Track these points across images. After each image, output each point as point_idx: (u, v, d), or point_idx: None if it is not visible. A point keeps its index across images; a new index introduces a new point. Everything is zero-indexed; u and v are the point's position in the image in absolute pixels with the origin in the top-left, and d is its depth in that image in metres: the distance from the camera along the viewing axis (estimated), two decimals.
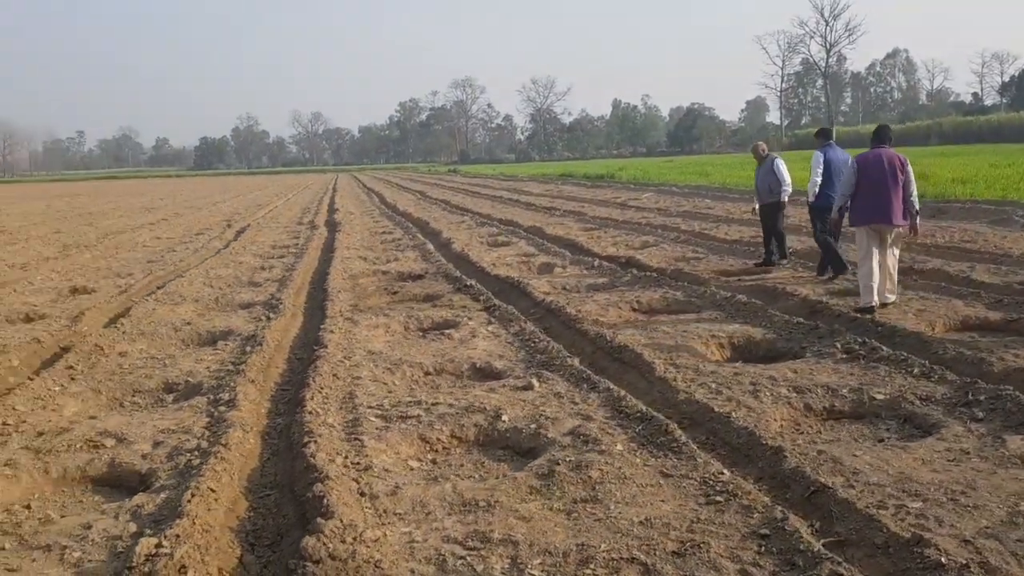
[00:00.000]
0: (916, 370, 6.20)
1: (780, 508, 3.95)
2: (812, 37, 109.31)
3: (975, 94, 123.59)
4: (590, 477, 4.44)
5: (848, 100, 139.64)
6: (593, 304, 9.60)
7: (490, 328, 8.51)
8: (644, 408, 5.49)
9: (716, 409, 5.44)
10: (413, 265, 13.84)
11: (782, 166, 11.81)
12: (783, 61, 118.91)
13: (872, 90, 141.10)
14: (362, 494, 4.27)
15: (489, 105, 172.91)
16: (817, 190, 10.63)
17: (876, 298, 8.44)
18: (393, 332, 8.71)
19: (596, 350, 7.61)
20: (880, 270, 8.52)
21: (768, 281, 10.52)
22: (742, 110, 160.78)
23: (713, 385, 6.13)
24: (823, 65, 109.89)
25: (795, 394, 5.88)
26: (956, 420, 5.23)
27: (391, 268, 13.61)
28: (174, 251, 17.45)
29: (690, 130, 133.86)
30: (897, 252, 8.83)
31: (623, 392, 5.97)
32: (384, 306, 10.24)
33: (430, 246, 16.63)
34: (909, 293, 9.24)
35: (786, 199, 11.81)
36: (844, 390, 5.90)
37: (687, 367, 6.69)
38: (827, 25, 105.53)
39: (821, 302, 8.84)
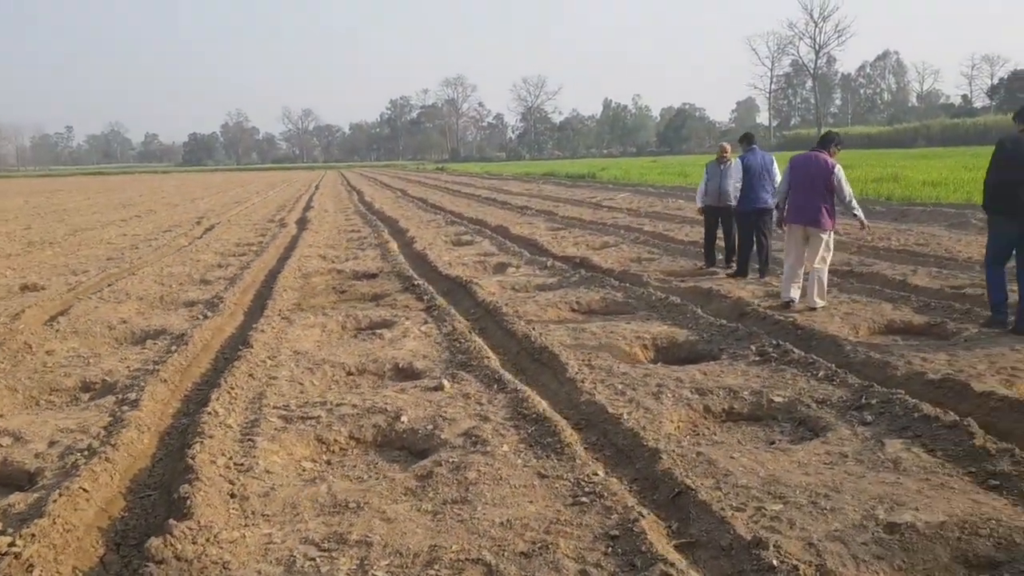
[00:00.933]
0: (821, 373, 6.27)
1: (639, 510, 3.99)
2: (801, 38, 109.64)
3: (965, 96, 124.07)
4: (466, 478, 4.49)
5: (838, 102, 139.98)
6: (533, 304, 9.65)
7: (423, 328, 8.55)
8: (542, 410, 5.53)
9: (611, 411, 5.49)
10: (370, 264, 13.86)
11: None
12: (772, 62, 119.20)
13: (862, 92, 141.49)
14: (232, 496, 4.31)
15: (480, 104, 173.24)
16: (739, 195, 10.96)
17: (793, 294, 8.68)
18: (328, 332, 8.73)
19: (520, 351, 7.65)
20: (801, 268, 8.76)
21: (708, 283, 10.58)
22: (732, 111, 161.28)
23: (619, 387, 6.18)
24: (812, 67, 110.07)
25: (697, 396, 5.94)
26: (845, 423, 5.29)
27: (347, 267, 13.63)
28: (136, 248, 17.43)
29: (679, 130, 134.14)
30: (828, 256, 8.90)
31: (529, 393, 6.01)
32: (327, 305, 10.27)
33: (393, 245, 16.67)
34: (843, 296, 9.33)
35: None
36: (746, 392, 5.96)
37: (601, 368, 6.74)
38: (816, 27, 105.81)
39: (751, 304, 8.90)
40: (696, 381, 6.26)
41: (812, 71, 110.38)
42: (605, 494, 4.20)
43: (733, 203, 11.48)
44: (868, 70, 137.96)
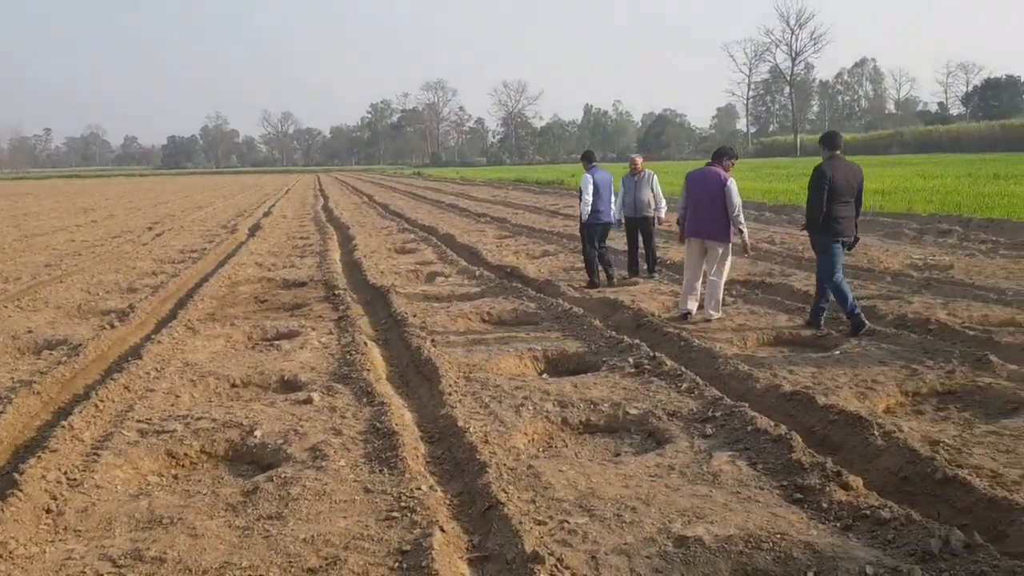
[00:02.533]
0: (684, 386, 6.37)
1: (440, 524, 4.07)
2: (778, 45, 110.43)
3: (941, 103, 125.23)
4: (289, 494, 4.55)
5: (816, 108, 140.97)
6: (445, 315, 9.72)
7: (324, 340, 8.60)
8: (395, 424, 5.60)
9: (461, 424, 5.57)
10: (303, 272, 13.89)
11: (658, 182, 12.07)
12: (750, 69, 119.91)
13: (840, 98, 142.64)
14: (48, 511, 4.35)
15: (461, 108, 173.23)
16: (589, 209, 11.32)
17: (691, 306, 8.82)
18: (232, 342, 8.77)
19: (410, 363, 7.73)
20: (698, 281, 8.89)
21: (620, 294, 10.68)
22: (713, 117, 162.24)
23: (486, 399, 6.26)
24: (789, 73, 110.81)
25: (558, 408, 6.02)
26: (687, 436, 5.39)
27: (280, 275, 13.66)
28: (79, 255, 17.37)
29: (659, 136, 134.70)
30: (726, 269, 9.02)
31: (393, 407, 6.07)
32: (242, 315, 10.29)
33: (335, 253, 16.75)
34: (745, 307, 9.46)
35: (663, 215, 12.13)
36: (606, 405, 6.05)
37: (478, 381, 6.82)
38: (793, 34, 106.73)
39: (648, 316, 9.01)
40: (563, 394, 6.35)
41: (789, 78, 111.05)
42: (419, 509, 4.28)
43: (650, 213, 11.69)
44: (846, 77, 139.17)
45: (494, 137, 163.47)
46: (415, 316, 9.54)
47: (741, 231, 8.86)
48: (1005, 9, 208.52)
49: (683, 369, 6.76)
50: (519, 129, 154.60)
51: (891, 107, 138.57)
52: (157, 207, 36.17)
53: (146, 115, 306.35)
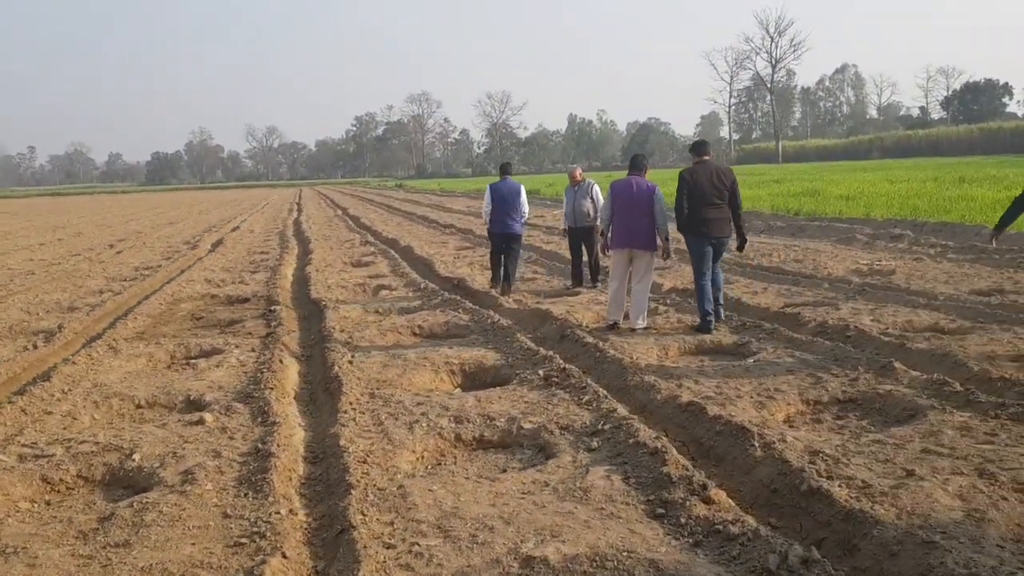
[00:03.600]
0: (586, 398, 6.29)
1: (284, 551, 3.97)
2: (758, 53, 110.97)
3: (922, 108, 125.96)
4: (143, 520, 4.43)
5: (798, 115, 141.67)
6: (376, 329, 9.62)
7: (243, 357, 8.47)
8: (277, 446, 5.49)
9: (342, 443, 5.47)
10: (250, 288, 13.77)
11: (599, 193, 12.01)
12: (731, 77, 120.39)
13: (821, 104, 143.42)
14: None
15: (446, 119, 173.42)
16: (485, 218, 11.85)
17: (617, 316, 8.84)
18: (152, 361, 8.64)
19: (321, 380, 7.63)
20: (624, 291, 8.84)
21: (555, 305, 10.61)
22: (697, 124, 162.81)
23: (382, 417, 6.16)
24: (769, 81, 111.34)
25: (453, 424, 5.93)
26: (572, 450, 5.31)
27: (225, 291, 13.53)
28: (32, 274, 17.17)
29: (643, 144, 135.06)
30: (649, 279, 8.95)
31: (286, 426, 5.98)
32: (171, 333, 10.16)
33: (288, 268, 16.65)
34: (675, 316, 9.39)
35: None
36: (502, 420, 5.97)
37: (380, 397, 6.72)
38: (772, 41, 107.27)
39: (576, 328, 8.93)
40: (463, 409, 6.25)
41: (769, 85, 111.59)
42: (268, 534, 4.18)
43: (590, 223, 11.67)
44: (827, 83, 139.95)
45: (479, 148, 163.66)
46: (343, 331, 9.44)
47: (665, 238, 8.80)
48: (985, 13, 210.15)
49: (588, 381, 6.67)
50: (504, 140, 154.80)
51: (873, 112, 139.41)
52: (128, 224, 35.97)
53: (130, 132, 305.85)
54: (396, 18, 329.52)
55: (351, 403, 6.49)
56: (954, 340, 7.62)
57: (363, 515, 4.34)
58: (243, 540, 4.15)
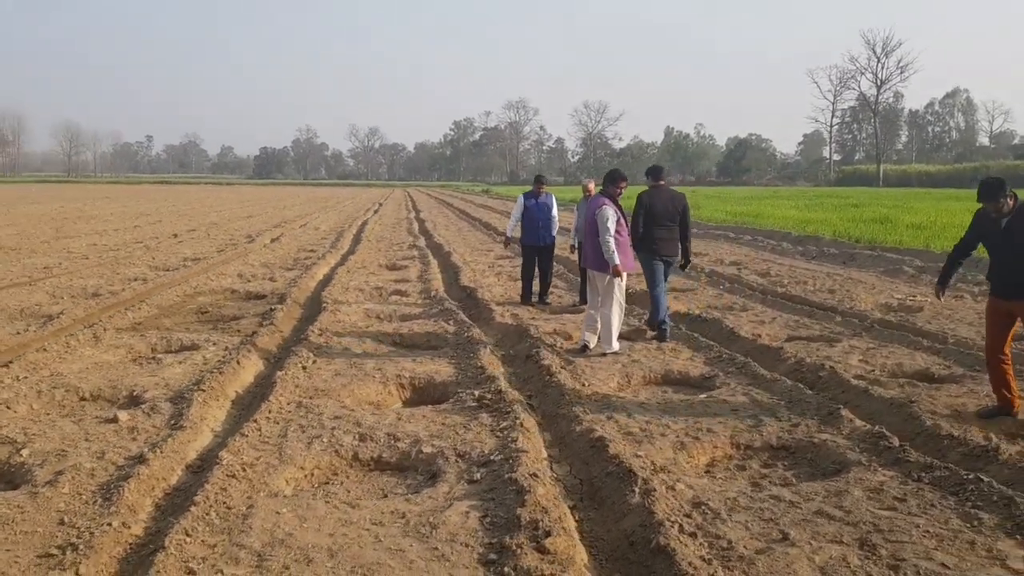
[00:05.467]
0: (504, 424, 6.03)
1: (79, 567, 3.86)
2: (863, 73, 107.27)
3: None
4: None
5: (904, 139, 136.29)
6: (355, 336, 9.52)
7: (211, 354, 8.51)
8: (164, 452, 5.41)
9: (222, 455, 5.33)
10: (274, 285, 13.95)
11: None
12: (835, 96, 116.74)
13: (930, 129, 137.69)
14: None
15: (542, 127, 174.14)
16: (523, 230, 11.91)
17: (588, 338, 8.55)
18: (128, 353, 8.75)
19: (265, 383, 7.57)
20: (597, 312, 8.54)
21: (545, 322, 10.32)
22: (799, 143, 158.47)
23: (291, 428, 6.03)
24: (874, 102, 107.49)
25: (357, 442, 5.76)
26: (456, 480, 5.06)
27: (249, 287, 13.73)
28: (86, 258, 17.82)
29: (740, 161, 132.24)
30: (610, 301, 8.53)
31: (192, 431, 5.93)
32: (168, 326, 10.32)
33: (323, 268, 16.81)
34: (656, 343, 9.00)
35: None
36: (407, 441, 5.76)
37: (306, 407, 6.58)
38: (879, 62, 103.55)
39: (546, 348, 8.64)
40: (376, 427, 6.06)
41: (873, 106, 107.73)
42: (83, 547, 4.07)
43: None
44: (936, 107, 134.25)
45: (573, 157, 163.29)
46: (321, 335, 9.39)
47: (606, 256, 8.38)
48: None
49: (515, 408, 6.39)
50: (598, 150, 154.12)
51: (984, 140, 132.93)
52: (209, 214, 37.14)
53: (242, 126, 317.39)
54: (499, 25, 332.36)
55: (270, 411, 6.39)
56: (931, 389, 7.03)
57: (187, 535, 4.19)
58: (56, 551, 4.07)
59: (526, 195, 11.89)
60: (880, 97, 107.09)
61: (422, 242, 22.92)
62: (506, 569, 3.87)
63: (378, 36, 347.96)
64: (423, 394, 7.44)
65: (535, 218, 11.60)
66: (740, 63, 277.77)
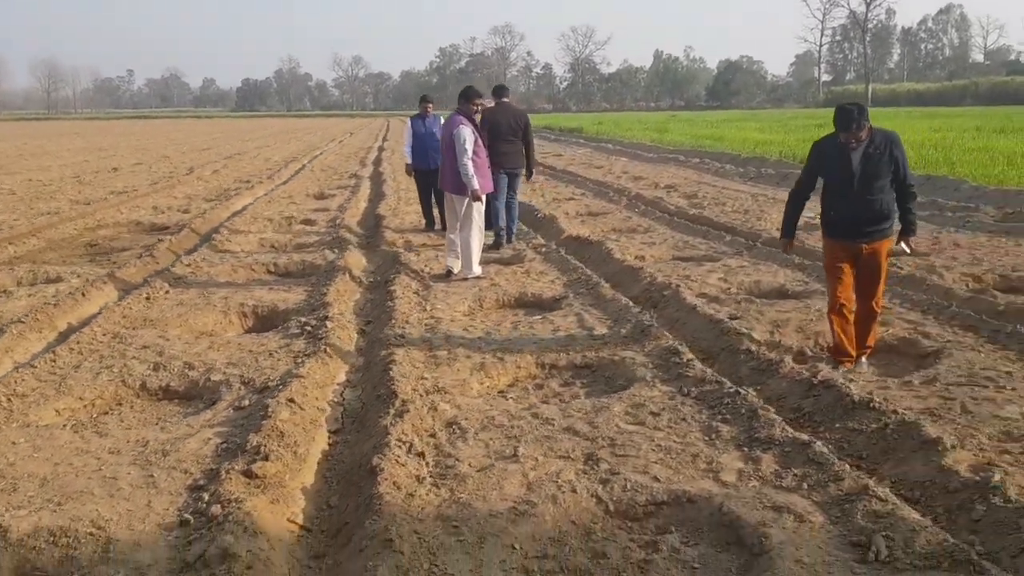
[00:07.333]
0: (311, 350, 5.90)
1: None
2: None
3: None
4: None
5: (896, 57, 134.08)
6: (230, 264, 9.36)
7: (65, 288, 8.34)
8: None
9: None
10: (184, 217, 13.71)
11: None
12: (824, 14, 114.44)
13: (923, 47, 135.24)
14: None
15: (529, 53, 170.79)
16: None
17: (451, 263, 8.51)
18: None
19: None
20: (456, 236, 8.38)
21: (425, 247, 10.18)
22: (791, 64, 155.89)
23: (94, 358, 5.89)
24: (863, 19, 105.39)
25: (150, 371, 5.63)
26: (223, 408, 4.95)
27: (158, 219, 13.52)
28: (13, 193, 17.52)
29: (728, 84, 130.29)
30: (469, 226, 8.33)
31: None
32: (50, 260, 10.13)
33: (247, 198, 16.55)
34: (531, 266, 8.85)
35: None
36: (200, 369, 5.64)
37: (124, 337, 6.43)
38: None
39: (407, 272, 8.48)
40: (173, 356, 5.89)
41: (862, 24, 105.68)
42: None
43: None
44: (929, 24, 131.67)
45: (561, 83, 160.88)
46: (190, 266, 9.20)
47: (468, 180, 8.15)
48: None
49: (331, 334, 6.24)
50: (586, 75, 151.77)
51: (978, 57, 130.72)
52: (167, 147, 36.57)
53: (224, 58, 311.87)
54: None
55: (78, 342, 6.23)
56: (766, 305, 6.90)
57: None
58: None
59: (413, 118, 11.58)
60: (870, 14, 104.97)
61: (367, 172, 22.56)
62: (205, 495, 3.76)
63: None
64: (265, 322, 7.30)
65: (424, 141, 11.31)
66: None
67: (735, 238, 10.17)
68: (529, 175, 10.28)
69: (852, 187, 5.30)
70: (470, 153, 8.06)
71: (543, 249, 9.76)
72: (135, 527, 3.51)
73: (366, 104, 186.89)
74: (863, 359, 5.51)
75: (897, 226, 5.48)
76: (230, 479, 3.82)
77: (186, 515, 3.57)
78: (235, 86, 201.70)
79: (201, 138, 47.48)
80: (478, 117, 8.75)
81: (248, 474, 3.87)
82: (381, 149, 33.38)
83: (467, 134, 8.08)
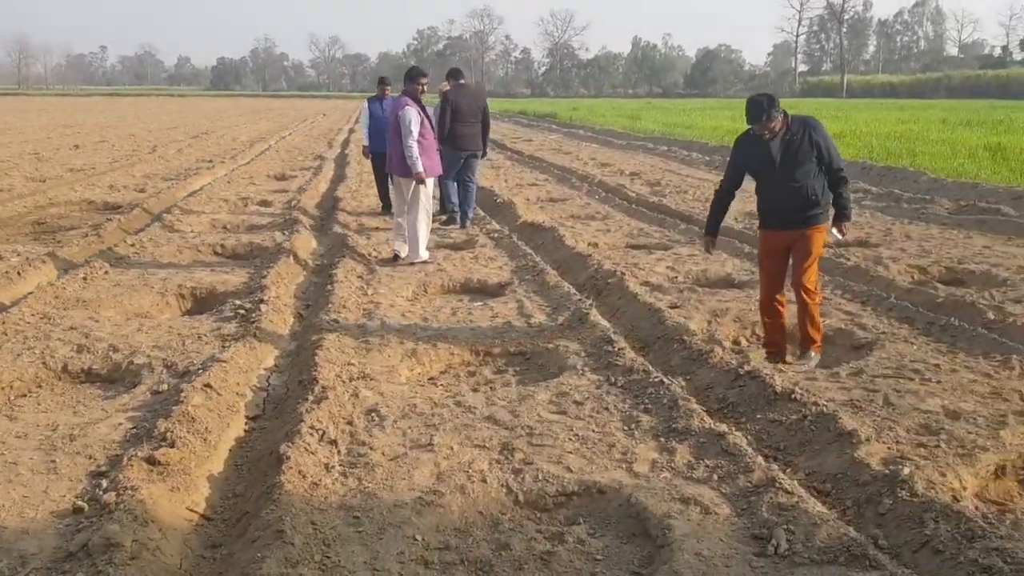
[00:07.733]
0: (239, 331, 5.79)
1: None
2: None
3: (1004, 47, 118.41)
4: None
5: (872, 49, 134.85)
6: (177, 245, 9.22)
7: (2, 266, 8.16)
8: None
9: None
10: (138, 196, 13.46)
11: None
12: (801, 4, 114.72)
13: (898, 39, 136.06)
14: None
15: (507, 37, 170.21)
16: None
17: (398, 247, 8.40)
18: None
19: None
20: (403, 219, 8.28)
21: (376, 231, 10.09)
22: (769, 54, 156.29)
23: (8, 344, 5.70)
24: (839, 10, 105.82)
25: (73, 353, 5.49)
26: (141, 392, 4.84)
27: (112, 198, 13.26)
28: None
29: (706, 72, 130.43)
30: (416, 209, 8.21)
31: None
32: None
33: (205, 178, 16.31)
34: (482, 251, 8.77)
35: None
36: (124, 352, 5.51)
37: (51, 318, 6.27)
38: None
39: (354, 256, 8.38)
40: (99, 338, 5.74)
41: (838, 15, 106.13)
42: None
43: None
44: (905, 16, 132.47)
45: (539, 68, 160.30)
46: (133, 246, 9.02)
47: (413, 163, 7.99)
48: None
49: (263, 318, 6.13)
50: (565, 60, 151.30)
51: (953, 50, 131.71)
52: (134, 125, 36.01)
53: (199, 37, 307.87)
54: None
55: (5, 322, 6.04)
56: (708, 294, 6.87)
57: None
58: None
59: (370, 100, 11.43)
60: (847, 5, 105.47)
61: (333, 153, 22.33)
62: (104, 481, 3.66)
63: None
64: (203, 304, 7.17)
65: (381, 124, 11.15)
66: None
67: (690, 226, 10.12)
68: (483, 154, 10.37)
69: (775, 177, 5.22)
70: (415, 135, 7.93)
71: (496, 235, 9.66)
72: (26, 514, 3.40)
73: (343, 86, 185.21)
74: (811, 352, 5.44)
75: (832, 212, 5.43)
76: (131, 466, 3.71)
77: (80, 503, 3.46)
78: (210, 65, 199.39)
79: (171, 116, 46.81)
80: (438, 99, 8.66)
81: (151, 460, 3.76)
82: (351, 131, 33.02)
83: (412, 115, 7.96)
